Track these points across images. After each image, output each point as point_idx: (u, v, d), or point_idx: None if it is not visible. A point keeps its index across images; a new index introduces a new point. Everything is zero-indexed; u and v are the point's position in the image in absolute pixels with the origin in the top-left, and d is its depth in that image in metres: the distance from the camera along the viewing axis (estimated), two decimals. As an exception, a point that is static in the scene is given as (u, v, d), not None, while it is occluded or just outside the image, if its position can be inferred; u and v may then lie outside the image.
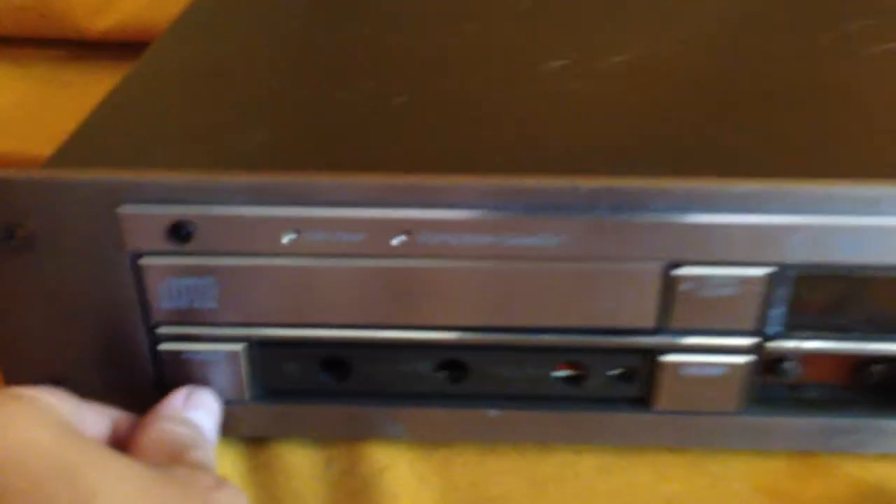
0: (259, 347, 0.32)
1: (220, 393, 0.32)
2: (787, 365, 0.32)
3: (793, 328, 0.30)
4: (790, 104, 0.33)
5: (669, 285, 0.29)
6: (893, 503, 0.31)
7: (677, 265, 0.29)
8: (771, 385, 0.32)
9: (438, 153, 0.30)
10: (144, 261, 0.29)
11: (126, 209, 0.28)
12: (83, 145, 0.32)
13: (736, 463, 0.33)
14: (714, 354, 0.30)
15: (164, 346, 0.31)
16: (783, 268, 0.28)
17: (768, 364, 0.32)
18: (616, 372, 0.32)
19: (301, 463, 0.33)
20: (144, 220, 0.28)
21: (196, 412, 0.31)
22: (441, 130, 0.31)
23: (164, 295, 0.30)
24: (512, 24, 0.41)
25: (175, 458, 0.28)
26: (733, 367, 0.31)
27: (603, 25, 0.41)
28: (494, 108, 0.33)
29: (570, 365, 0.32)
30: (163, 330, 0.31)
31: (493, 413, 0.33)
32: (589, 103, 0.33)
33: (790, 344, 0.30)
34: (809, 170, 0.28)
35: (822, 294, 0.30)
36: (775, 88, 0.34)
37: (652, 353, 0.31)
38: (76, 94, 0.54)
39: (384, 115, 0.32)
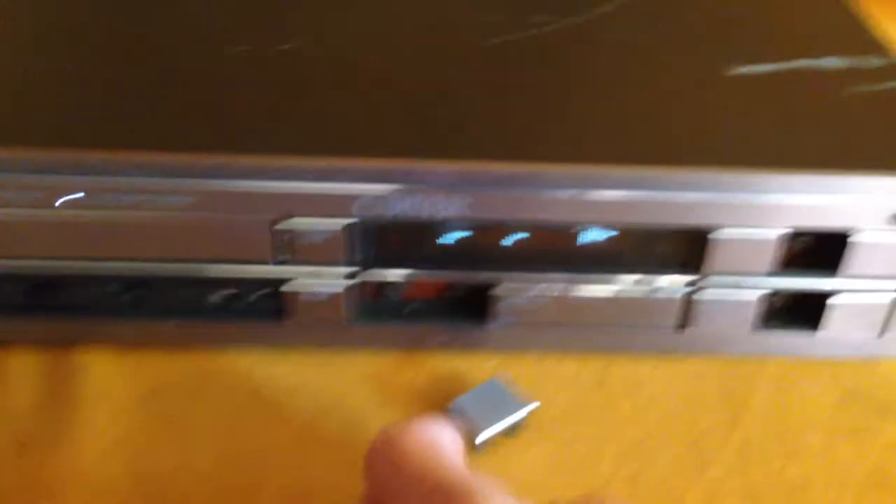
0: (-20, 277, 0.42)
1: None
2: (387, 289, 0.44)
3: (375, 262, 0.42)
4: (403, 87, 0.44)
5: (276, 232, 0.40)
6: (457, 384, 0.44)
7: (279, 219, 0.40)
8: (378, 301, 0.44)
9: (97, 128, 0.39)
10: None
11: None
12: None
13: (355, 359, 0.45)
14: (319, 280, 0.42)
15: None
16: (354, 222, 0.40)
17: (369, 288, 0.43)
18: (261, 292, 0.43)
19: (17, 364, 0.44)
20: None
21: None
22: (104, 109, 0.41)
23: None
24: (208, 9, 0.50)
25: None
26: (335, 290, 0.42)
27: (286, 13, 0.50)
28: (153, 89, 0.42)
29: (226, 286, 0.43)
30: None
31: (171, 323, 0.44)
32: (243, 86, 0.43)
33: (376, 273, 0.42)
34: (362, 149, 0.39)
35: (392, 237, 0.41)
36: (401, 74, 0.45)
37: (278, 281, 0.42)
38: None
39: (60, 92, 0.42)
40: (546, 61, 0.47)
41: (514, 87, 0.45)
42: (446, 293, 0.45)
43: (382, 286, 0.44)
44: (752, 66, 0.47)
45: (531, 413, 0.42)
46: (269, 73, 0.44)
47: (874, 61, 0.47)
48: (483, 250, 0.42)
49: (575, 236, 0.42)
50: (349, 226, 0.40)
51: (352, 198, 0.39)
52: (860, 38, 0.50)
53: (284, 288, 0.42)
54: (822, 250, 0.42)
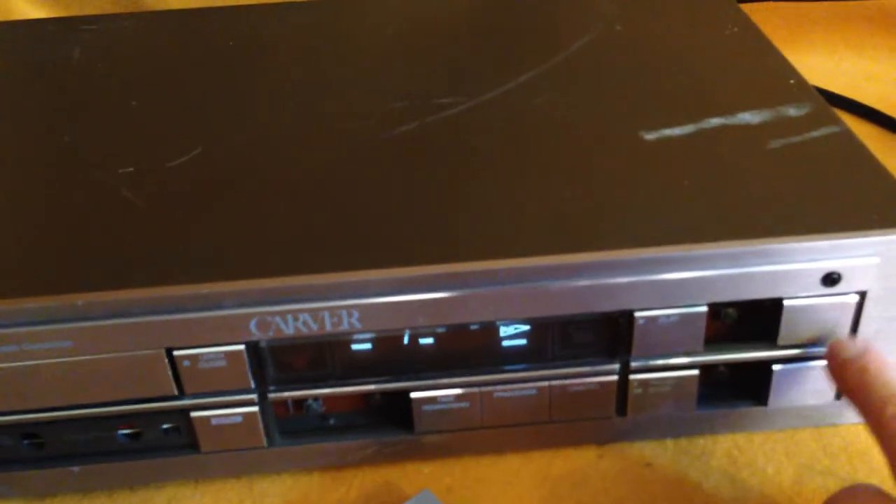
0: None
1: None
2: (304, 405, 0.41)
3: (283, 381, 0.39)
4: (296, 196, 0.41)
5: (173, 364, 0.37)
6: (390, 498, 0.41)
7: (174, 349, 0.37)
8: (296, 419, 0.41)
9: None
10: None
11: None
12: None
13: (278, 484, 0.42)
14: (228, 408, 0.39)
15: None
16: (253, 343, 0.37)
17: (285, 406, 0.41)
18: (168, 426, 0.40)
19: (-79, 527, 0.40)
20: None
21: None
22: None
23: None
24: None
25: None
26: (245, 414, 0.39)
27: (181, 126, 0.48)
28: (18, 228, 0.40)
29: (129, 425, 0.40)
30: None
31: (76, 469, 0.41)
32: (122, 212, 0.40)
33: (285, 394, 0.39)
34: (251, 268, 0.36)
35: (297, 355, 0.39)
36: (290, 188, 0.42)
37: (185, 412, 0.39)
38: None
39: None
40: (450, 148, 0.45)
41: (416, 183, 0.42)
42: (367, 403, 0.42)
43: (299, 403, 0.41)
44: (670, 129, 0.45)
45: (468, 525, 0.39)
46: (153, 194, 0.41)
47: (791, 111, 0.46)
48: (396, 356, 0.39)
49: (493, 333, 0.40)
50: (250, 346, 0.37)
51: (246, 318, 0.37)
52: (775, 88, 0.48)
53: (194, 415, 0.39)
54: (759, 318, 0.40)
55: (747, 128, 0.45)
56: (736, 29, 0.56)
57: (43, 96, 0.52)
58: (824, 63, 0.76)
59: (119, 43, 0.58)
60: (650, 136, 0.44)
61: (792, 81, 0.49)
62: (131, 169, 0.44)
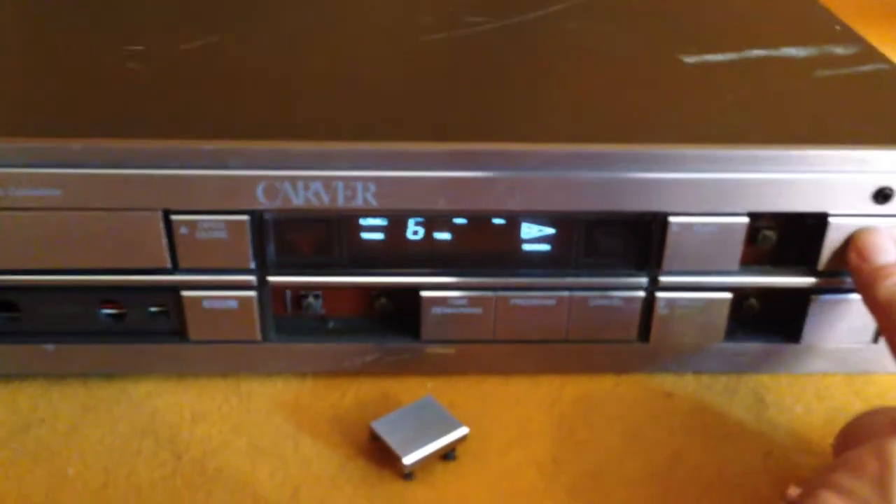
0: None
1: None
2: (307, 300, 0.38)
3: (286, 265, 0.36)
4: (318, 76, 0.39)
5: (170, 230, 0.35)
6: (386, 410, 0.37)
7: (172, 212, 0.34)
8: (294, 319, 0.39)
9: None
10: None
11: None
12: None
13: (268, 385, 0.39)
14: (224, 290, 0.36)
15: None
16: (258, 213, 0.34)
17: (284, 298, 0.38)
18: (155, 308, 0.37)
19: None
20: None
21: None
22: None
23: None
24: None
25: None
26: (242, 300, 0.36)
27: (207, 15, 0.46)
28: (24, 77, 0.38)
29: (111, 303, 0.37)
30: None
31: (49, 347, 0.38)
32: (129, 79, 0.38)
33: (287, 279, 0.36)
34: (262, 133, 0.34)
35: (303, 235, 0.36)
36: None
37: (175, 290, 0.36)
38: None
39: None
40: (479, 51, 0.43)
41: (446, 74, 0.40)
42: (371, 307, 0.39)
43: (298, 301, 0.38)
44: (711, 55, 0.43)
45: (472, 436, 0.36)
46: (162, 68, 0.39)
47: (838, 50, 0.43)
48: (409, 250, 0.37)
49: (515, 232, 0.37)
50: (255, 217, 0.34)
51: (253, 182, 0.34)
52: (821, 30, 0.46)
53: (186, 294, 0.36)
54: (800, 243, 0.37)
55: (792, 60, 0.43)
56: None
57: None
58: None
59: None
60: (690, 60, 0.42)
61: (838, 27, 0.47)
62: (141, 47, 0.41)
